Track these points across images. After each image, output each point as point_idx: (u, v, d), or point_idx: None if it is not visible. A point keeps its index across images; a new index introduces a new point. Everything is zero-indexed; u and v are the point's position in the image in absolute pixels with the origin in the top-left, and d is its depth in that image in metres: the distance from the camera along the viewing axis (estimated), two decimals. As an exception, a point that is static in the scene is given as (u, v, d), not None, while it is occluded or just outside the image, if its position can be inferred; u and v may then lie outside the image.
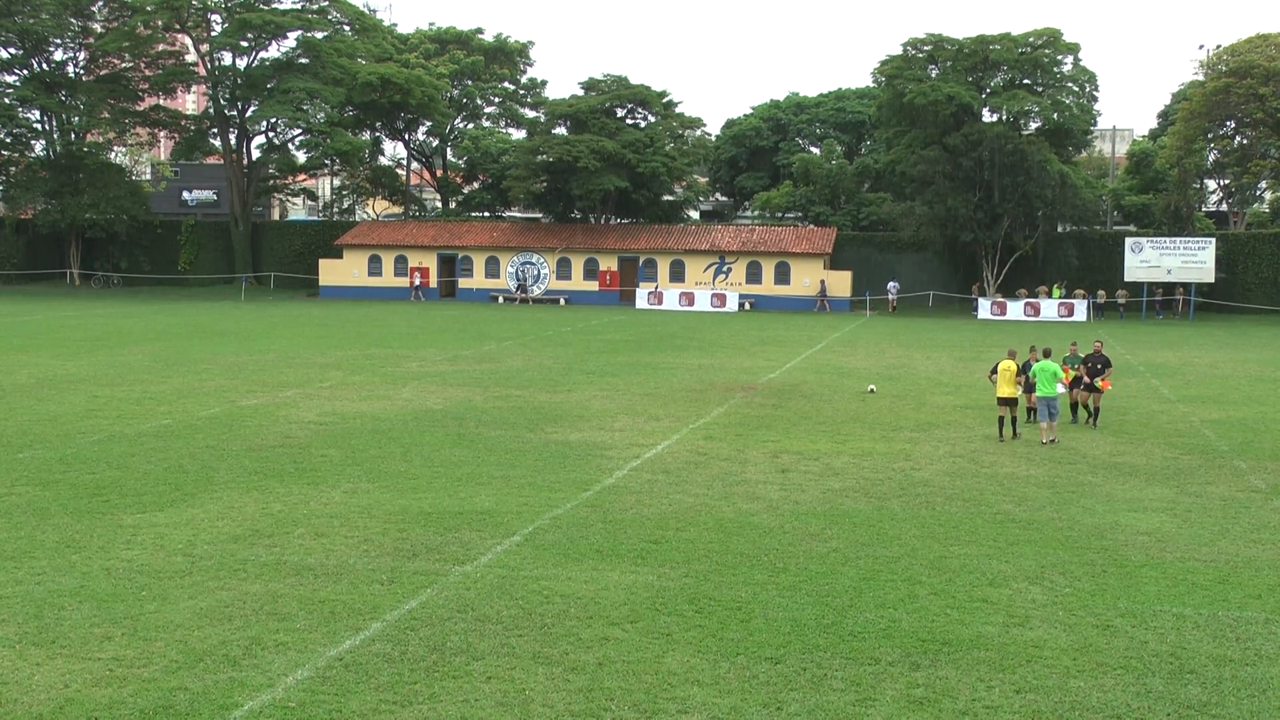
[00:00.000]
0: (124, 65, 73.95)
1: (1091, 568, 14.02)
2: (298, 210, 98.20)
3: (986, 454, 21.30)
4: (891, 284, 64.37)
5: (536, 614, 11.97)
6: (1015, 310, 59.64)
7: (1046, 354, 23.54)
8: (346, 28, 74.56)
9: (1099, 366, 24.73)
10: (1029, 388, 23.34)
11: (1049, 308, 59.60)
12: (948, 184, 60.77)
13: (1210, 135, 63.03)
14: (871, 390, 29.21)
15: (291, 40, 71.54)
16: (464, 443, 21.34)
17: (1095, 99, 63.59)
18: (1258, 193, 73.76)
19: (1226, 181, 69.08)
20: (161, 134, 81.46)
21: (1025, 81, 62.91)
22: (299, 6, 72.17)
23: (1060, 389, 23.29)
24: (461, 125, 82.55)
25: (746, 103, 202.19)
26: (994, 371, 23.58)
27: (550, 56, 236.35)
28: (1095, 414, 24.58)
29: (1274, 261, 61.94)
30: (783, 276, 64.29)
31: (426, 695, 9.93)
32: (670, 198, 74.85)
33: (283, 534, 14.87)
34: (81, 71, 74.13)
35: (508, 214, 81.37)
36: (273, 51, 72.43)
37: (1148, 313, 61.25)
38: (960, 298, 64.56)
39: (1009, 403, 23.13)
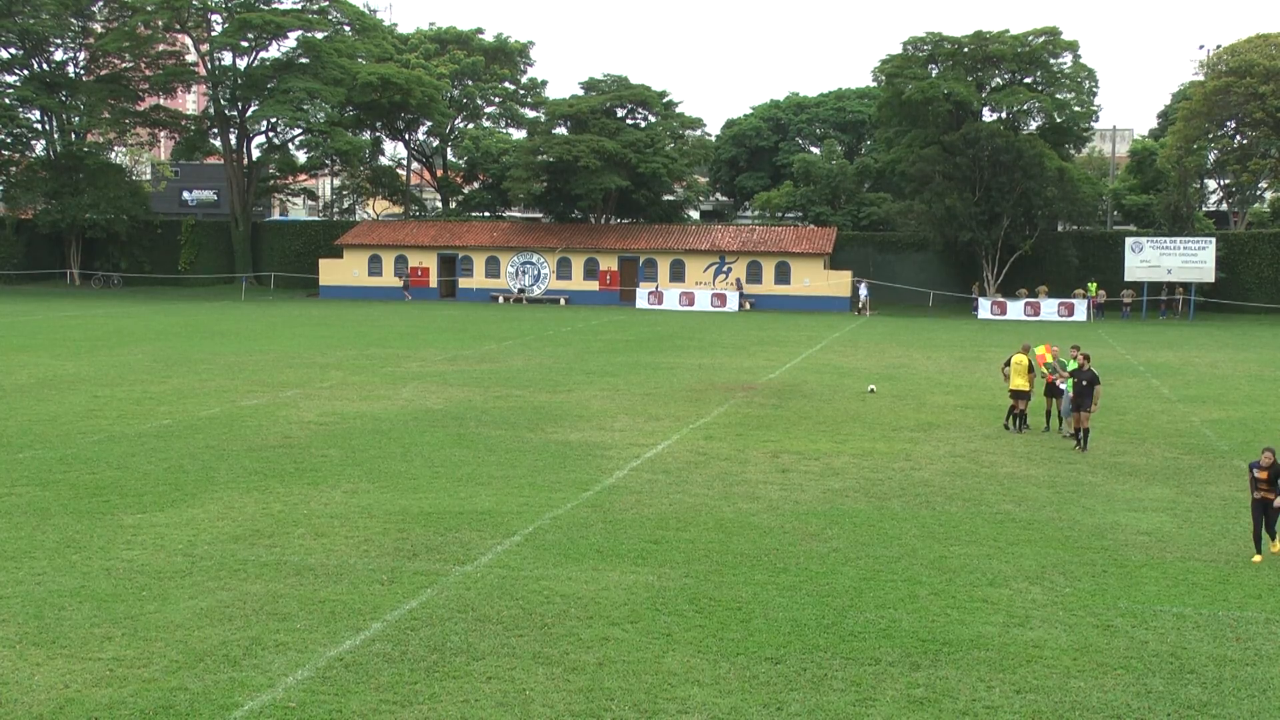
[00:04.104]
0: (124, 65, 73.92)
1: (1092, 568, 14.03)
2: (297, 210, 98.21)
3: (987, 454, 21.31)
4: (861, 286, 62.89)
5: (537, 614, 11.97)
6: (1015, 310, 59.63)
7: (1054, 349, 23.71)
8: (347, 28, 74.54)
9: (1085, 384, 21.91)
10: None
11: (1049, 307, 59.60)
12: (946, 183, 60.76)
13: (1210, 135, 62.97)
14: (872, 390, 29.21)
15: (292, 40, 71.55)
16: (464, 443, 21.35)
17: (1095, 93, 63.59)
18: (1258, 192, 73.69)
19: (1226, 181, 69.01)
20: (162, 134, 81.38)
21: (1026, 80, 62.91)
22: (299, 6, 72.15)
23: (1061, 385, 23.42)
24: (462, 125, 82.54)
25: (746, 103, 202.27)
26: (1007, 364, 23.83)
27: (550, 56, 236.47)
28: (1084, 438, 21.81)
29: (1274, 261, 61.91)
30: (783, 276, 64.28)
31: (427, 695, 9.94)
32: (670, 198, 74.83)
33: (283, 534, 14.88)
34: (82, 71, 74.12)
35: (508, 214, 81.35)
36: (273, 51, 72.50)
37: (1148, 312, 61.22)
38: (960, 297, 64.51)
39: (1020, 395, 23.37)
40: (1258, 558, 14.51)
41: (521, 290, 66.11)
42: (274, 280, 73.19)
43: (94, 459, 19.30)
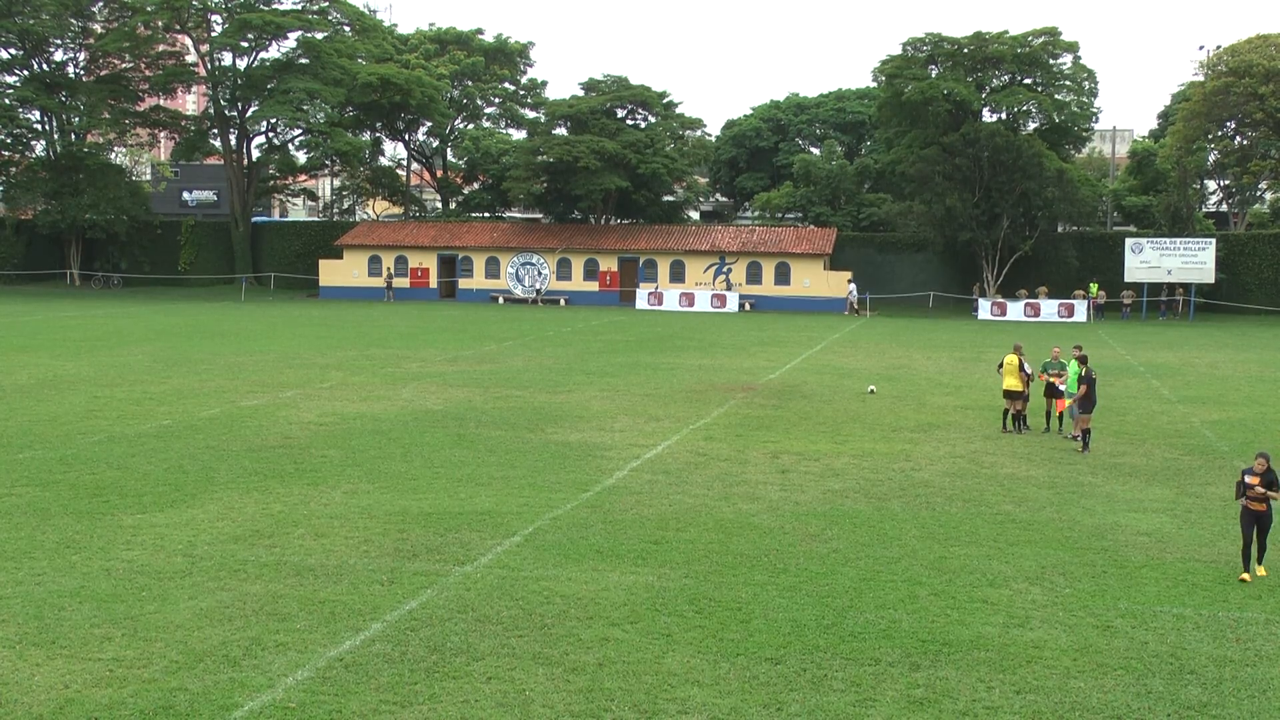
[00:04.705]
0: (124, 66, 73.92)
1: (1092, 568, 14.03)
2: (297, 211, 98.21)
3: (987, 454, 21.31)
4: (850, 286, 62.36)
5: (537, 614, 11.97)
6: (1015, 311, 59.63)
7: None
8: (347, 28, 74.53)
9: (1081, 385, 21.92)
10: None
11: (1049, 308, 59.59)
12: (946, 183, 60.74)
13: (1210, 135, 62.96)
14: (872, 391, 29.21)
15: (292, 41, 71.55)
16: (464, 443, 21.35)
17: (1095, 95, 63.60)
18: (1258, 193, 73.69)
19: (1226, 182, 69.02)
20: (162, 134, 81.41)
21: (1026, 81, 62.92)
22: (299, 7, 72.14)
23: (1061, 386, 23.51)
24: (462, 126, 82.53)
25: (746, 103, 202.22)
26: (1000, 366, 23.95)
27: (550, 57, 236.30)
28: (1086, 438, 21.82)
29: (1274, 262, 61.88)
30: (783, 277, 64.27)
31: (427, 696, 9.94)
32: (670, 198, 74.84)
33: (283, 534, 14.88)
34: (82, 72, 74.11)
35: (508, 214, 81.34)
36: (273, 52, 72.50)
37: (1148, 313, 61.21)
38: (960, 298, 64.48)
39: (1013, 396, 23.46)
40: (1246, 576, 13.66)
41: (539, 291, 65.91)
42: (274, 281, 73.19)
43: (94, 459, 19.30)
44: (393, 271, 67.22)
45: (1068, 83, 62.92)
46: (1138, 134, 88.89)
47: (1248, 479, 13.74)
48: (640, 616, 11.96)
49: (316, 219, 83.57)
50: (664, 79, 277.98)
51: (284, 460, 19.52)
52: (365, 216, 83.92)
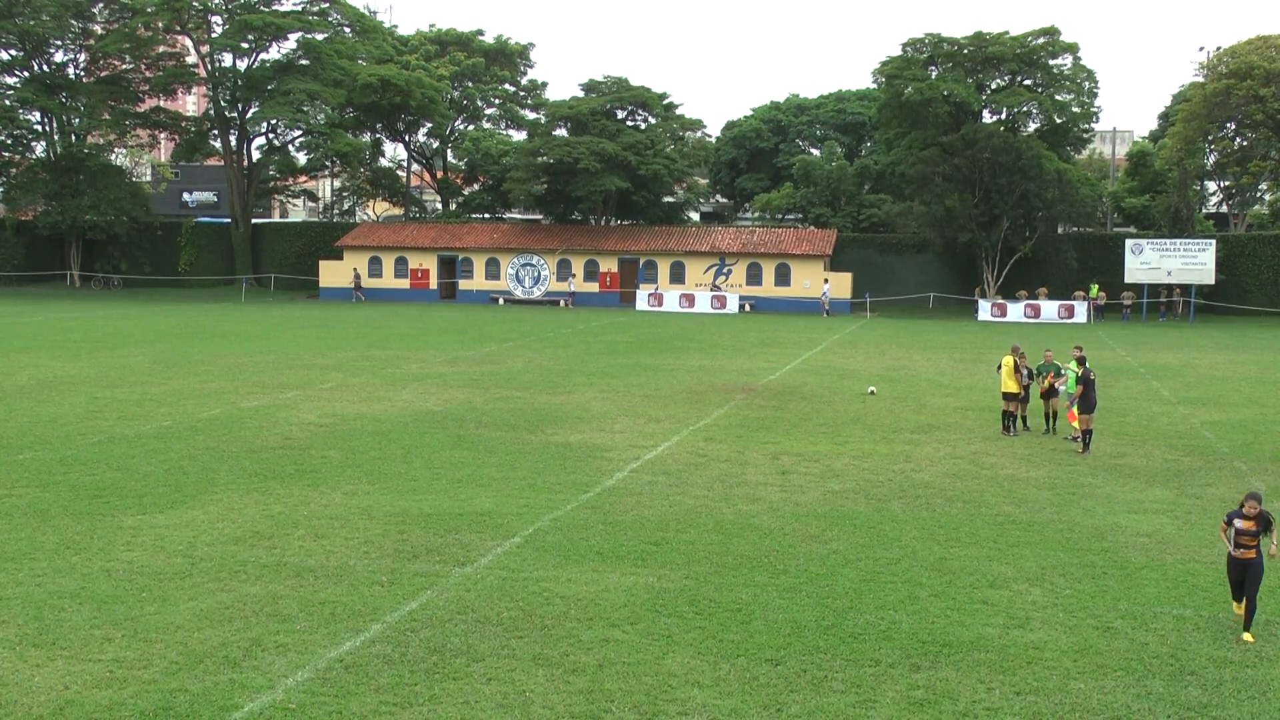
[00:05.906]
0: (124, 67, 73.94)
1: (1092, 569, 14.03)
2: (298, 212, 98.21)
3: (987, 456, 21.31)
4: (825, 286, 62.11)
5: (537, 615, 11.97)
6: (1015, 312, 59.62)
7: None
8: (347, 29, 74.54)
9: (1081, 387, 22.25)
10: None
11: (1049, 309, 59.59)
12: (946, 184, 60.75)
13: (1210, 136, 62.95)
14: (872, 392, 29.21)
15: (292, 42, 71.56)
16: (464, 444, 21.35)
17: (1095, 95, 63.59)
18: (1258, 194, 73.69)
19: (1226, 183, 69.03)
20: (162, 135, 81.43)
21: (1025, 82, 62.92)
22: (299, 8, 72.16)
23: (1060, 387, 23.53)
24: (462, 127, 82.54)
25: (746, 104, 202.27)
26: (999, 367, 23.95)
27: (551, 58, 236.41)
28: (1087, 439, 21.80)
29: (1274, 263, 61.88)
30: (783, 278, 64.26)
31: (427, 697, 9.94)
32: (671, 199, 74.85)
33: (283, 535, 14.88)
34: (82, 73, 74.13)
35: (508, 215, 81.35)
36: (273, 53, 72.51)
37: (1148, 314, 61.21)
38: (960, 299, 64.46)
39: (1011, 397, 23.47)
40: (1248, 636, 11.70)
41: (572, 293, 65.65)
42: (274, 282, 73.19)
43: (94, 460, 19.30)
44: (358, 272, 67.23)
45: (1067, 83, 62.89)
46: (1138, 135, 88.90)
47: (1238, 524, 11.83)
48: (640, 618, 11.96)
49: (317, 220, 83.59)
50: (664, 80, 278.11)
51: (284, 461, 19.52)
52: (365, 218, 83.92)
